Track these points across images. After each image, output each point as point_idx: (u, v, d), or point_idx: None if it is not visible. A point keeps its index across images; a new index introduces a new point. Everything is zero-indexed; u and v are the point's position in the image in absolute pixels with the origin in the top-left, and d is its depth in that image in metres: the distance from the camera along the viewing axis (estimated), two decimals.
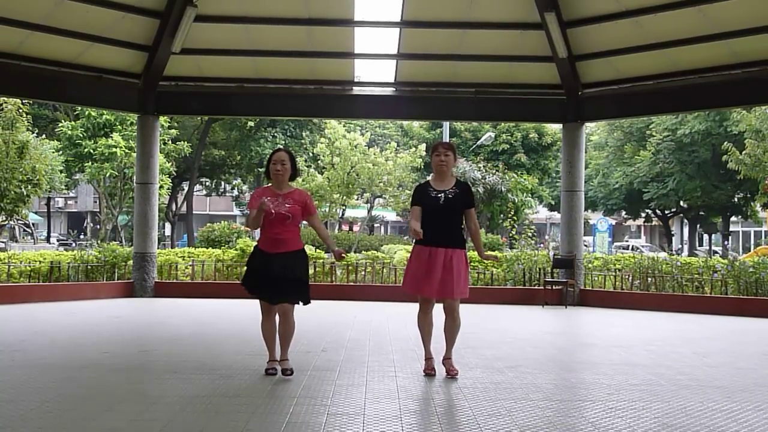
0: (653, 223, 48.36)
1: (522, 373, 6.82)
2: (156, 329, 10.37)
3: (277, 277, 6.27)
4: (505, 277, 15.38)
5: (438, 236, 6.41)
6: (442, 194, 6.48)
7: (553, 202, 40.21)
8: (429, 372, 6.55)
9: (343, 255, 6.60)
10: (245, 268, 6.65)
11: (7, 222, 25.57)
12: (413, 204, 6.63)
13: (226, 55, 14.59)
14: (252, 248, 6.72)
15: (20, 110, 20.11)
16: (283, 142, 34.30)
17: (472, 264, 16.51)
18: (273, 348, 6.56)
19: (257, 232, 6.75)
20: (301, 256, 6.49)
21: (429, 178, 6.77)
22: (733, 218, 41.60)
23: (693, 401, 5.78)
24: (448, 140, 23.62)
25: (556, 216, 40.02)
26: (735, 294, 13.59)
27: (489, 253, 6.59)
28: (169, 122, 24.87)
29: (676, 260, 14.95)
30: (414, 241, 6.64)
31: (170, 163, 25.03)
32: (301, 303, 6.47)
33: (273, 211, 6.20)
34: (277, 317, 6.50)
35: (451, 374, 6.51)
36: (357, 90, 15.28)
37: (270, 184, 6.55)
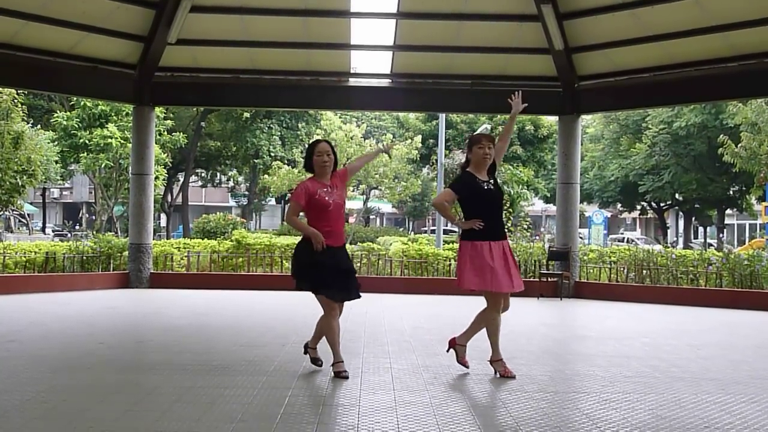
0: (648, 215, 48.49)
1: (517, 365, 6.83)
2: (151, 320, 10.37)
3: (349, 271, 6.27)
4: None
5: (496, 229, 6.31)
6: (492, 186, 6.39)
7: (548, 195, 40.28)
8: (510, 374, 6.27)
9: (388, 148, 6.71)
10: (299, 266, 6.23)
11: (2, 213, 25.51)
12: (452, 187, 6.42)
13: (222, 46, 14.54)
14: (297, 243, 6.37)
15: (15, 100, 20.05)
16: (279, 133, 34.28)
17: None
18: (339, 348, 6.21)
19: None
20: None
21: (469, 169, 6.47)
22: (728, 211, 41.74)
23: (687, 393, 5.81)
24: (443, 132, 23.59)
25: (552, 208, 40.10)
26: (729, 286, 13.62)
27: None
28: (164, 113, 24.83)
29: (671, 253, 14.97)
30: (462, 236, 6.41)
31: (166, 154, 24.98)
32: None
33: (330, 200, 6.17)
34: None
35: (510, 373, 6.30)
36: (353, 81, 15.25)
37: (313, 176, 6.28)
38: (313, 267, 6.09)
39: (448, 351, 6.62)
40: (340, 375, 6.10)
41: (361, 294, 6.36)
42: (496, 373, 6.34)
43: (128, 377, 6.13)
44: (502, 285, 6.23)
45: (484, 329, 6.43)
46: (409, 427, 4.63)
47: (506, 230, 6.52)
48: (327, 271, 6.07)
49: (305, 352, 6.57)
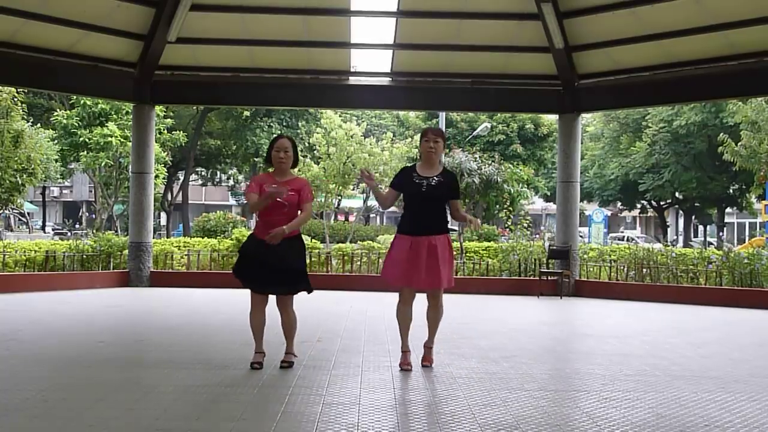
0: (648, 214, 48.48)
1: (517, 364, 6.84)
2: (151, 319, 10.38)
3: (271, 266, 6.14)
4: (500, 267, 15.41)
5: (419, 224, 6.31)
6: (425, 181, 6.33)
7: (548, 193, 40.24)
8: (406, 367, 6.39)
9: (272, 235, 6.09)
10: (238, 255, 6.54)
11: (2, 211, 25.50)
12: (391, 185, 6.59)
13: (222, 45, 14.53)
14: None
15: (15, 99, 20.03)
16: (279, 131, 34.23)
17: (468, 254, 16.55)
18: (260, 340, 6.43)
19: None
20: (296, 244, 6.32)
21: (417, 163, 6.60)
22: (728, 209, 41.71)
23: (687, 392, 5.81)
24: (441, 128, 23.57)
25: (552, 207, 40.08)
26: (729, 285, 13.63)
27: (470, 217, 6.39)
28: (164, 111, 24.80)
29: (671, 251, 14.98)
30: (396, 231, 6.52)
31: (166, 153, 24.96)
32: (305, 292, 6.37)
33: (280, 199, 6.11)
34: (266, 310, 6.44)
35: (426, 363, 6.52)
36: (353, 80, 15.25)
37: (271, 171, 6.43)
38: (243, 258, 6.38)
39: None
40: (252, 365, 6.31)
41: (280, 291, 6.30)
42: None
43: (128, 375, 6.13)
44: (408, 280, 6.30)
45: (441, 323, 6.64)
46: (410, 426, 4.63)
47: (444, 226, 6.42)
48: (250, 263, 6.26)
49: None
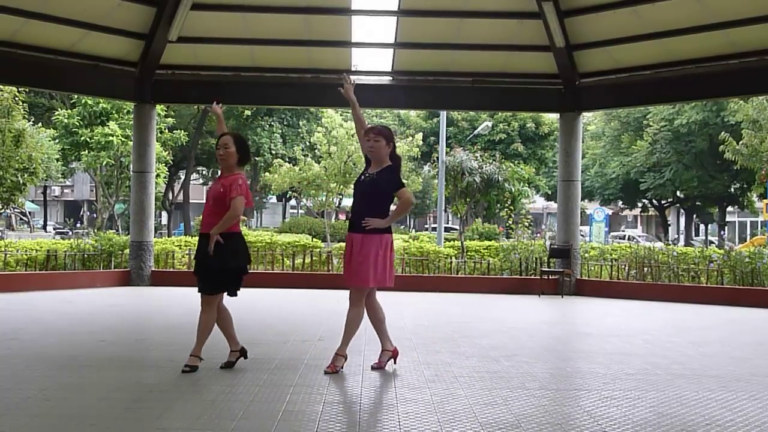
0: (650, 213, 48.47)
1: (518, 363, 6.84)
2: (152, 318, 10.38)
3: (197, 263, 6.25)
4: (501, 266, 15.41)
5: (351, 220, 6.36)
6: (363, 177, 6.35)
7: (549, 192, 40.23)
8: (375, 365, 6.34)
9: (211, 250, 6.00)
10: None
11: (3, 210, 25.50)
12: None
13: (223, 44, 14.54)
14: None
15: (16, 98, 20.03)
16: (280, 131, 34.28)
17: (469, 253, 16.54)
18: (230, 339, 6.39)
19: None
20: (222, 244, 6.03)
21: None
22: (729, 208, 41.69)
23: (688, 390, 5.81)
24: (444, 130, 23.54)
25: (553, 206, 40.08)
26: (730, 284, 13.62)
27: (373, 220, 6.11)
28: (165, 111, 24.82)
29: (673, 250, 14.97)
30: None
31: (167, 152, 24.96)
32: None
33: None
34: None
35: (328, 369, 6.16)
36: (354, 79, 15.13)
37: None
38: None
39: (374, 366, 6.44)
40: (184, 368, 6.07)
41: (202, 290, 6.16)
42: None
43: (129, 375, 6.14)
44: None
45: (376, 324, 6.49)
46: (410, 425, 4.64)
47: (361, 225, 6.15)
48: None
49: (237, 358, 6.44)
